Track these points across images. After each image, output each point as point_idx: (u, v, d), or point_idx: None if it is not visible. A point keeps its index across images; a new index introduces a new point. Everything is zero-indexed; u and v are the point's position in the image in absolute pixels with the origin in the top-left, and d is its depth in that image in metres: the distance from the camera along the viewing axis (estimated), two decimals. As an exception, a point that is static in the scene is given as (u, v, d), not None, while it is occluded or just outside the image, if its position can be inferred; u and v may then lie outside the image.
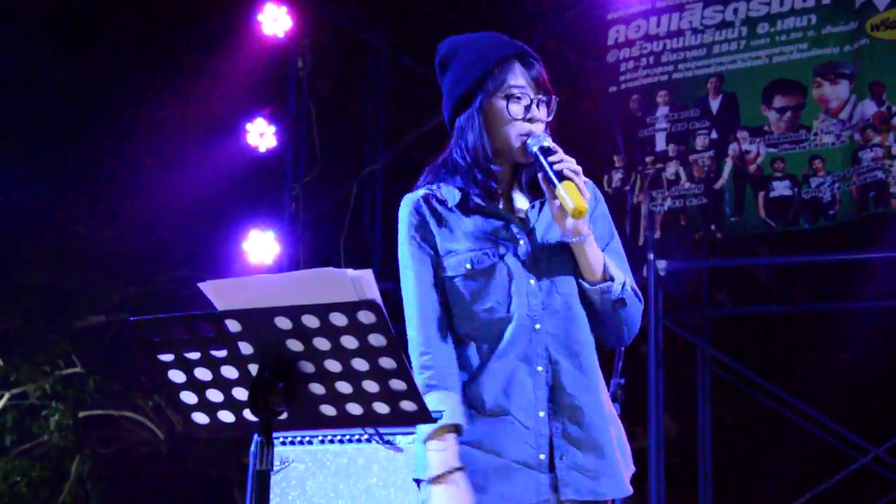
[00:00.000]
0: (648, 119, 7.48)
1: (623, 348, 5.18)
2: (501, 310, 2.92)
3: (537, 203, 3.02)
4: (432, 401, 2.81)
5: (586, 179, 3.00)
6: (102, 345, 11.46)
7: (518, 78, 2.99)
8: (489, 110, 3.00)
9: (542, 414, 2.88)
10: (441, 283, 2.99)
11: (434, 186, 3.05)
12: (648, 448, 7.28)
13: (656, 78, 7.49)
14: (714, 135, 7.29)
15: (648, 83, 7.51)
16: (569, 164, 2.88)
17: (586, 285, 2.92)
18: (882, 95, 6.79)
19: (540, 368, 2.90)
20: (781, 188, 7.07)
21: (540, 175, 2.92)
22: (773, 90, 7.15)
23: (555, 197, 2.86)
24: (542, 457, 2.87)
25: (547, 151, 2.90)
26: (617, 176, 7.41)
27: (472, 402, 2.92)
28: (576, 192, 2.83)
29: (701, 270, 8.49)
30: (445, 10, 9.22)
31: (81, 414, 11.54)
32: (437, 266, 2.99)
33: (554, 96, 3.02)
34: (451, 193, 3.02)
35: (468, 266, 2.95)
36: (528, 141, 2.95)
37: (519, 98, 2.98)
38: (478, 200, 2.99)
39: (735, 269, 9.38)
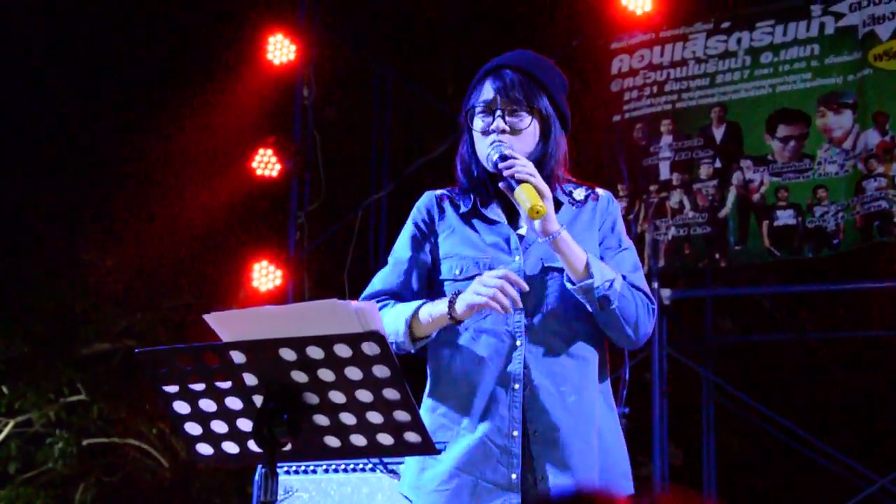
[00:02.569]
0: (652, 148, 7.49)
1: (627, 376, 5.19)
2: (480, 322, 2.96)
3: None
4: (390, 314, 2.96)
5: (602, 192, 3.09)
6: (107, 372, 11.46)
7: (486, 93, 3.04)
8: (471, 128, 3.07)
9: (515, 433, 2.89)
10: (437, 286, 3.06)
11: (455, 190, 3.13)
12: (653, 477, 7.26)
13: (660, 107, 7.51)
14: (718, 164, 7.30)
15: (652, 112, 7.53)
16: (522, 166, 2.88)
17: (569, 285, 2.91)
18: (885, 125, 6.80)
19: (517, 386, 2.91)
20: (785, 217, 7.07)
21: (502, 185, 2.93)
22: (777, 119, 7.16)
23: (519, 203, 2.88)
24: (514, 476, 2.88)
25: (504, 159, 2.92)
26: (621, 205, 7.41)
27: (448, 413, 2.96)
28: (532, 193, 2.84)
29: (705, 299, 8.49)
30: (450, 39, 9.27)
31: (85, 442, 11.54)
32: (431, 266, 3.08)
33: (522, 103, 3.01)
34: (465, 200, 3.07)
35: (456, 272, 3.02)
36: (489, 153, 2.98)
37: (482, 112, 3.03)
38: (483, 211, 3.03)
39: (739, 298, 9.38)
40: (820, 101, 7.05)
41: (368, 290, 3.12)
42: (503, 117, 2.99)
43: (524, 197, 2.84)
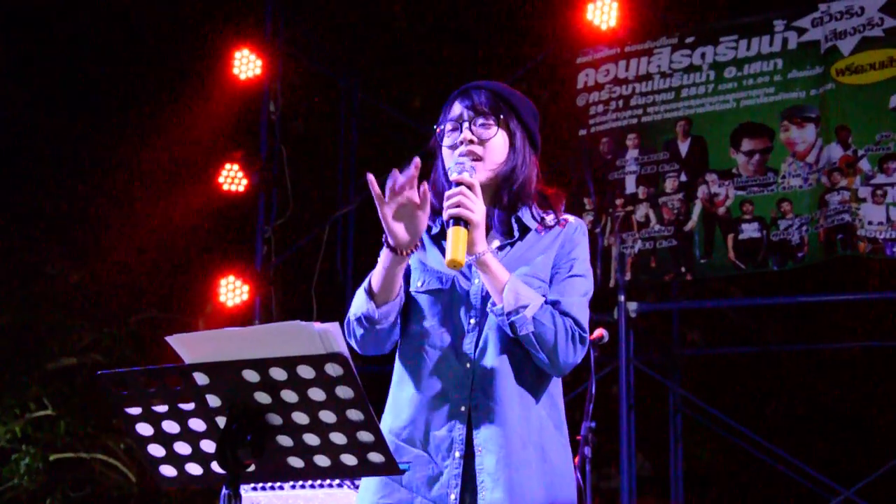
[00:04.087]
0: (618, 162, 7.53)
1: (593, 390, 5.19)
2: (434, 339, 2.96)
3: (507, 243, 3.03)
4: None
5: (573, 220, 3.06)
6: (74, 387, 11.39)
7: (455, 111, 3.04)
8: (441, 147, 3.07)
9: (458, 454, 2.88)
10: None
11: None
12: (621, 489, 7.28)
13: (626, 121, 7.55)
14: (683, 177, 7.35)
15: (618, 126, 7.57)
16: (454, 202, 2.85)
17: (488, 308, 2.91)
18: (848, 139, 6.87)
19: (463, 408, 2.90)
20: (750, 230, 7.12)
21: (444, 216, 2.91)
22: (741, 133, 7.22)
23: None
24: (454, 497, 2.87)
25: (458, 185, 2.90)
26: (587, 218, 7.45)
27: (396, 429, 2.96)
28: (457, 242, 2.81)
29: (671, 312, 8.53)
30: (416, 53, 9.28)
31: (52, 457, 11.45)
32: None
33: (490, 115, 3.00)
34: (436, 221, 3.07)
35: (419, 284, 3.02)
36: (450, 167, 2.96)
37: (451, 130, 3.03)
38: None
39: (706, 311, 9.43)
40: (783, 115, 7.12)
41: None
42: (470, 128, 2.99)
43: (449, 245, 2.82)
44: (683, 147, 7.39)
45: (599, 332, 5.34)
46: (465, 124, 2.99)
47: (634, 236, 7.39)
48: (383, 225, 2.84)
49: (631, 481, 7.37)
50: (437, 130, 3.07)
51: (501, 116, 3.01)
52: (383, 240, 2.86)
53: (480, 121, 2.99)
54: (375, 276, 2.92)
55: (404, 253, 2.85)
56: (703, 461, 9.87)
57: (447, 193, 2.88)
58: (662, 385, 8.24)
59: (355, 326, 2.98)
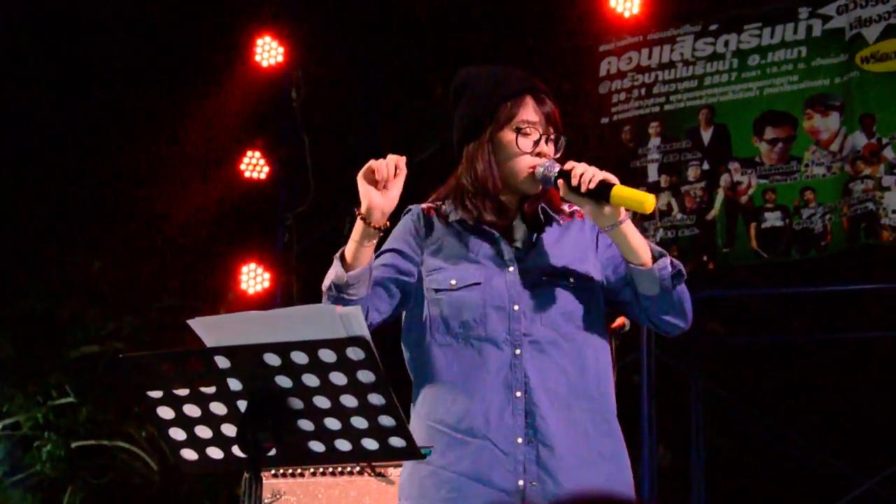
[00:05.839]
0: (640, 150, 7.51)
1: (615, 380, 5.18)
2: (479, 330, 2.96)
3: (535, 234, 3.06)
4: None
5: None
6: (95, 374, 11.45)
7: (530, 113, 3.05)
8: (498, 141, 3.06)
9: (519, 440, 2.90)
10: (427, 299, 3.05)
11: (440, 203, 3.13)
12: (642, 478, 7.27)
13: (648, 109, 7.52)
14: (706, 166, 7.32)
15: (640, 114, 7.54)
16: (591, 171, 2.89)
17: (641, 269, 2.93)
18: (872, 127, 6.82)
19: (518, 394, 2.92)
20: (773, 219, 7.09)
21: (569, 195, 2.94)
22: (764, 122, 7.18)
23: (597, 204, 2.88)
24: (521, 482, 2.88)
25: (566, 174, 2.94)
26: (609, 207, 7.42)
27: (448, 421, 2.96)
28: (633, 192, 2.85)
29: (694, 301, 8.48)
30: (438, 42, 9.26)
31: (74, 444, 11.52)
32: (419, 279, 3.07)
33: (563, 135, 3.07)
34: (454, 211, 3.08)
35: (452, 282, 3.02)
36: (538, 170, 3.00)
37: (528, 133, 3.04)
38: (477, 223, 3.05)
39: (728, 300, 9.39)
40: (807, 103, 7.07)
41: None
42: (547, 142, 3.05)
43: (631, 199, 2.85)
44: (706, 135, 7.36)
45: (621, 320, 5.32)
46: (545, 137, 3.04)
47: (656, 225, 7.36)
48: (367, 201, 2.91)
49: (652, 470, 7.35)
50: (509, 125, 3.05)
51: (562, 137, 3.08)
52: (357, 214, 2.93)
53: (553, 137, 3.06)
54: (349, 248, 2.97)
55: (379, 227, 2.93)
56: (724, 451, 9.84)
57: (576, 171, 2.90)
58: (684, 375, 8.21)
59: (324, 298, 3.01)
